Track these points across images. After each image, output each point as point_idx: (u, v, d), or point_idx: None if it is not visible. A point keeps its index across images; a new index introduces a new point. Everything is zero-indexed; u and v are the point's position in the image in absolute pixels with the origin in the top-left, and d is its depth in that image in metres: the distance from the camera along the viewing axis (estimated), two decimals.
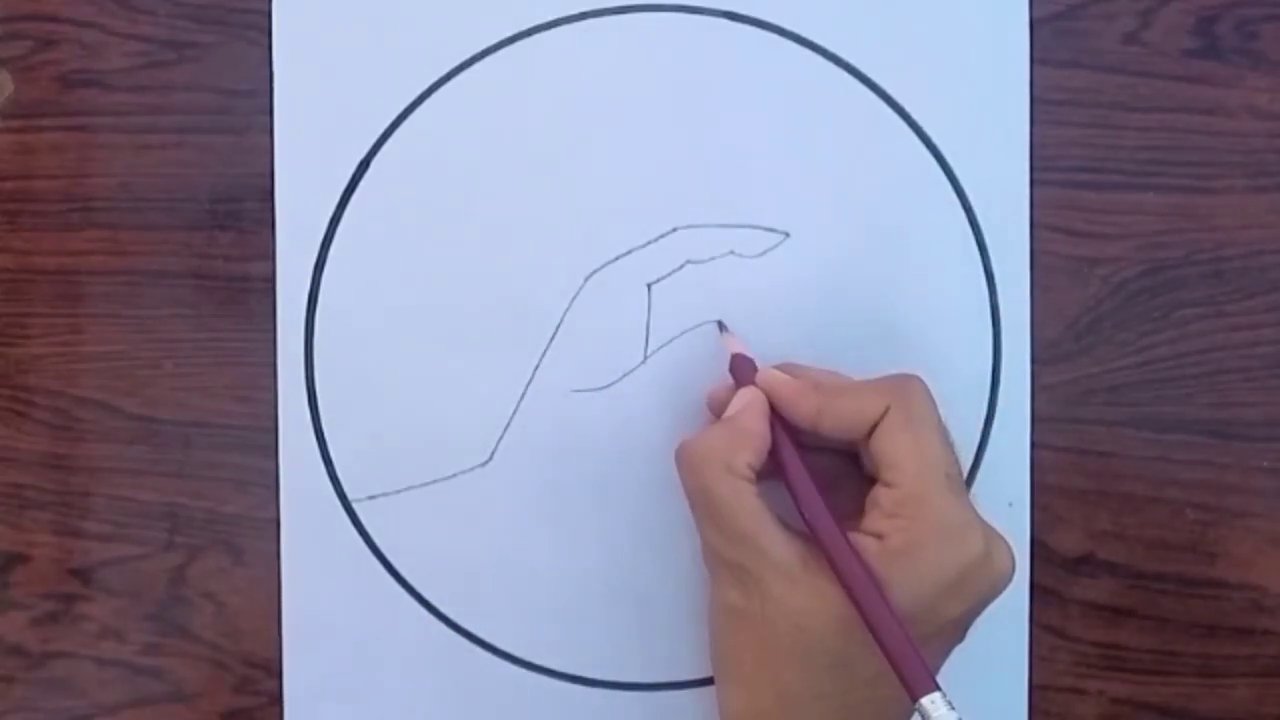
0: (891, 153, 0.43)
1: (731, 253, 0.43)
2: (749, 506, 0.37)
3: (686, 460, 0.38)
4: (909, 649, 0.34)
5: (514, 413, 0.43)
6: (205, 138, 0.43)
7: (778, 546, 0.36)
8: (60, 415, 0.43)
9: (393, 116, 0.43)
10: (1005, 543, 0.37)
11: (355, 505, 0.43)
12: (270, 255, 0.43)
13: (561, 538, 0.43)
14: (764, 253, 0.43)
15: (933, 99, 0.43)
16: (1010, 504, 0.43)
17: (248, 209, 0.43)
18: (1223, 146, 0.43)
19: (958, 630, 0.37)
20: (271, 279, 0.43)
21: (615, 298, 0.43)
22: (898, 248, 0.43)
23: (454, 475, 0.43)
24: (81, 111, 0.43)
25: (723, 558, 0.37)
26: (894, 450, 0.36)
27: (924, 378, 0.40)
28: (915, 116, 0.43)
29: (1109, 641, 0.44)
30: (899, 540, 0.35)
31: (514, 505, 0.43)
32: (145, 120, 0.43)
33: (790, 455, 0.38)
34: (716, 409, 0.40)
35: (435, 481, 0.43)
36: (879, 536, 0.36)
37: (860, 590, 0.35)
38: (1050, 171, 0.43)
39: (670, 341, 0.43)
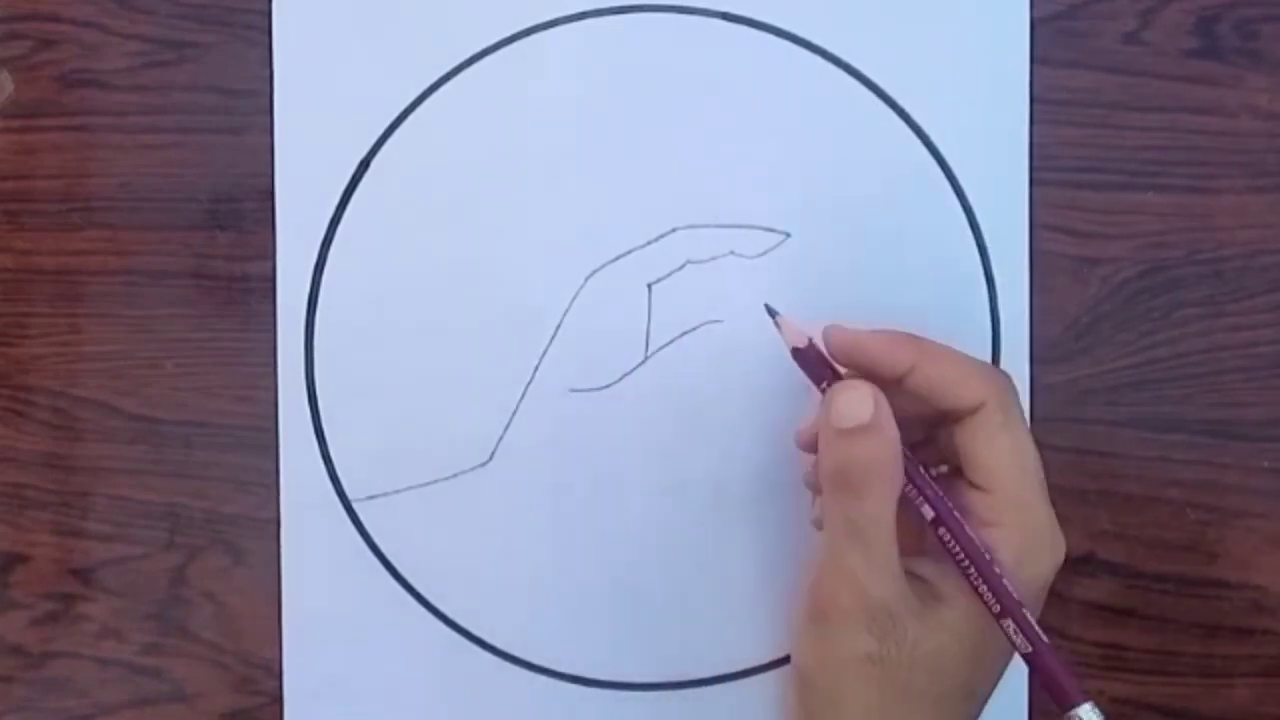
0: (891, 153, 0.43)
1: (731, 253, 0.43)
2: (895, 538, 0.34)
3: (856, 481, 0.34)
4: (1056, 661, 0.34)
5: (514, 413, 0.43)
6: (205, 138, 0.43)
7: (907, 584, 0.34)
8: (60, 415, 0.43)
9: (393, 116, 0.43)
10: (1061, 535, 0.36)
11: (355, 505, 0.43)
12: (270, 255, 0.43)
13: (561, 538, 0.43)
14: (764, 253, 0.43)
15: (933, 99, 0.43)
16: None
17: (248, 209, 0.43)
18: (1223, 146, 0.43)
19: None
20: (271, 279, 0.43)
21: (615, 298, 0.43)
22: (898, 248, 0.43)
23: (454, 475, 0.43)
24: (81, 111, 0.43)
25: (866, 596, 0.34)
26: (993, 453, 0.35)
27: None
28: (915, 116, 0.43)
29: (1109, 641, 0.44)
30: (1005, 549, 0.34)
31: (514, 505, 0.43)
32: (145, 120, 0.43)
33: (914, 464, 0.35)
34: (807, 446, 0.38)
35: (435, 481, 0.43)
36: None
37: (1011, 607, 0.34)
38: (1050, 171, 0.43)
39: (670, 341, 0.43)
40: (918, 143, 0.43)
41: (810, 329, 0.37)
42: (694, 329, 0.43)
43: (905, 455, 0.35)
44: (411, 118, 0.43)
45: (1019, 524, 0.35)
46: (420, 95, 0.43)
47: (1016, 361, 0.43)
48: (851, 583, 0.34)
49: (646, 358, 0.43)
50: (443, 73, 0.43)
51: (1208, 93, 0.43)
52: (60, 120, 0.43)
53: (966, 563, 0.34)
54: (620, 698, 0.43)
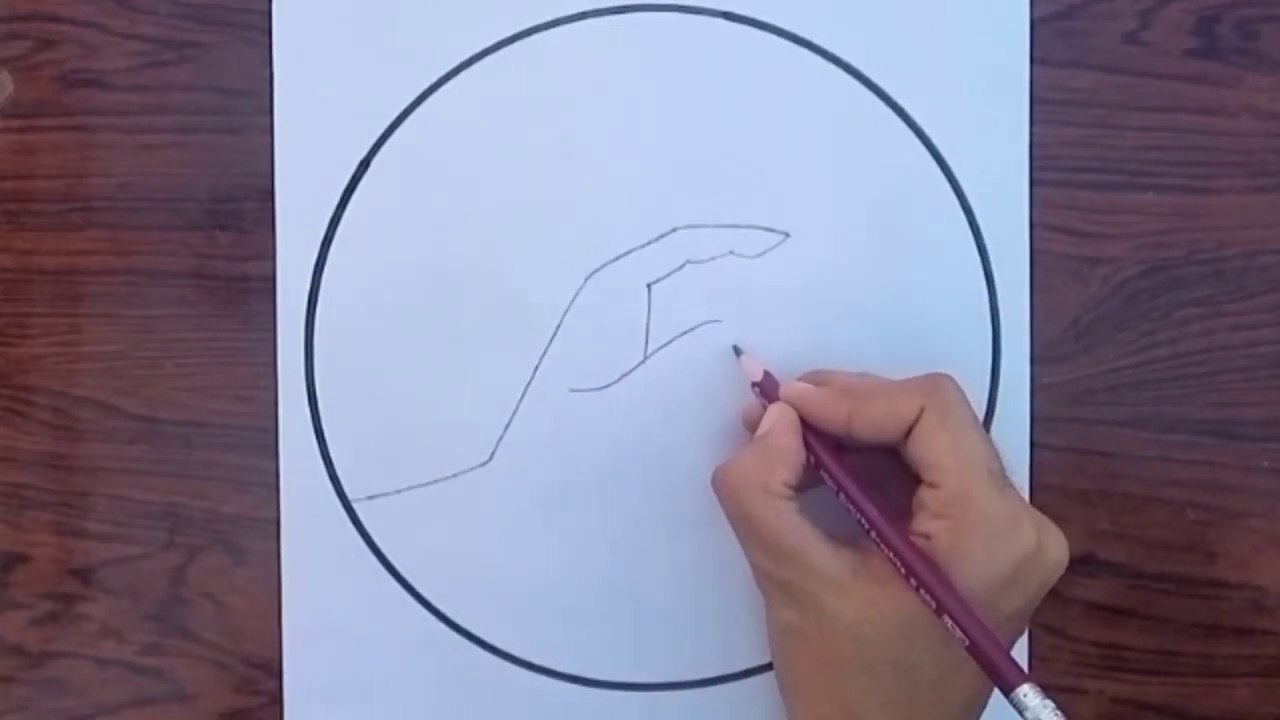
0: (891, 153, 0.43)
1: (731, 253, 0.43)
2: (791, 524, 0.37)
3: (723, 486, 0.38)
4: (992, 642, 0.34)
5: (514, 413, 0.43)
6: (205, 138, 0.43)
7: (825, 560, 0.36)
8: (60, 415, 0.43)
9: (393, 116, 0.43)
10: (1056, 530, 0.37)
11: (355, 505, 0.43)
12: (270, 255, 0.43)
13: (561, 538, 0.43)
14: (764, 253, 0.43)
15: (933, 99, 0.43)
16: None
17: (248, 209, 0.43)
18: (1223, 146, 0.43)
19: (1018, 622, 0.37)
20: (271, 279, 0.43)
21: (615, 298, 0.43)
22: (898, 248, 0.43)
23: (454, 475, 0.43)
24: (81, 111, 0.43)
25: (772, 578, 0.37)
26: (933, 451, 0.36)
27: None
28: (915, 116, 0.43)
29: (1109, 641, 0.44)
30: (947, 540, 0.35)
31: (514, 505, 0.43)
32: (145, 120, 0.43)
33: (833, 465, 0.38)
34: (752, 427, 0.40)
35: (435, 481, 0.43)
36: (927, 537, 0.36)
37: (934, 587, 0.35)
38: (1050, 171, 0.43)
39: (670, 341, 0.43)
40: (918, 143, 0.43)
41: (768, 364, 0.41)
42: (693, 329, 0.43)
43: (830, 463, 0.38)
44: (411, 118, 0.43)
45: (962, 515, 0.35)
46: (420, 95, 0.43)
47: (1016, 361, 0.43)
48: (756, 567, 0.38)
49: (646, 358, 0.43)
50: (443, 73, 0.43)
51: (1208, 93, 0.43)
52: (60, 120, 0.43)
53: (898, 562, 0.36)
54: (620, 698, 0.43)
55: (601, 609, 0.43)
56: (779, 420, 0.39)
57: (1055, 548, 0.36)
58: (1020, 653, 0.43)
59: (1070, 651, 0.44)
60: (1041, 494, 0.43)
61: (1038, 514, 0.37)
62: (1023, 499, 0.37)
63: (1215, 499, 0.44)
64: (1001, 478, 0.36)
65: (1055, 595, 0.43)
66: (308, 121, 0.43)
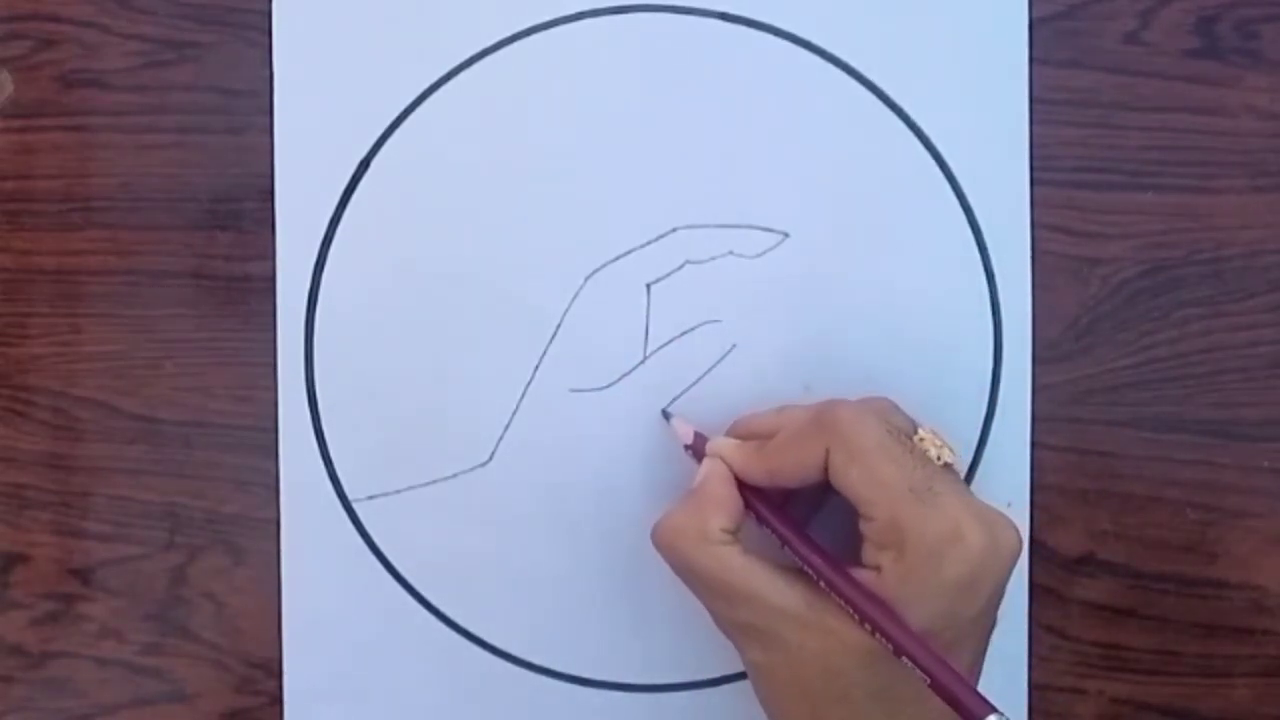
0: (891, 153, 0.43)
1: (731, 253, 0.43)
2: (735, 567, 0.37)
3: (662, 540, 0.38)
4: (953, 677, 0.34)
5: (514, 413, 0.43)
6: (205, 138, 0.43)
7: (779, 596, 0.36)
8: (60, 415, 0.43)
9: (393, 116, 0.43)
10: (1003, 517, 0.36)
11: (355, 505, 0.43)
12: (270, 255, 0.43)
13: (561, 538, 0.43)
14: (763, 253, 0.43)
15: (933, 99, 0.43)
16: (1010, 504, 0.43)
17: (248, 209, 0.43)
18: (1223, 146, 0.43)
19: (986, 620, 0.36)
20: (271, 279, 0.43)
21: (615, 298, 0.43)
22: (898, 248, 0.43)
23: (454, 475, 0.43)
24: (81, 111, 0.43)
25: (731, 621, 0.37)
26: (851, 487, 0.36)
27: (924, 378, 0.40)
28: (915, 117, 0.43)
29: (1109, 641, 0.44)
30: (894, 572, 0.35)
31: (514, 505, 0.43)
32: (145, 120, 0.43)
33: (771, 517, 0.38)
34: None
35: (435, 481, 0.43)
36: (877, 569, 0.35)
37: (888, 628, 0.34)
38: (1050, 171, 0.43)
39: (670, 341, 0.43)
40: (918, 143, 0.43)
41: (699, 425, 0.41)
42: (693, 329, 0.43)
43: (768, 515, 0.38)
44: (411, 118, 0.43)
45: (900, 544, 0.35)
46: (420, 95, 0.43)
47: (1018, 361, 0.43)
48: (713, 614, 0.38)
49: (646, 358, 0.43)
50: (443, 73, 0.43)
51: (1208, 93, 0.43)
52: (60, 120, 0.43)
53: (849, 608, 0.36)
54: (620, 698, 0.43)
55: (601, 609, 0.43)
56: (711, 472, 0.39)
57: (1008, 538, 0.35)
58: (1020, 653, 0.43)
59: (1070, 651, 0.44)
60: (1041, 494, 0.43)
61: (981, 507, 0.36)
62: (962, 497, 0.36)
63: (1215, 499, 0.44)
64: (926, 490, 0.35)
65: (1055, 595, 0.44)
66: (308, 121, 0.43)
